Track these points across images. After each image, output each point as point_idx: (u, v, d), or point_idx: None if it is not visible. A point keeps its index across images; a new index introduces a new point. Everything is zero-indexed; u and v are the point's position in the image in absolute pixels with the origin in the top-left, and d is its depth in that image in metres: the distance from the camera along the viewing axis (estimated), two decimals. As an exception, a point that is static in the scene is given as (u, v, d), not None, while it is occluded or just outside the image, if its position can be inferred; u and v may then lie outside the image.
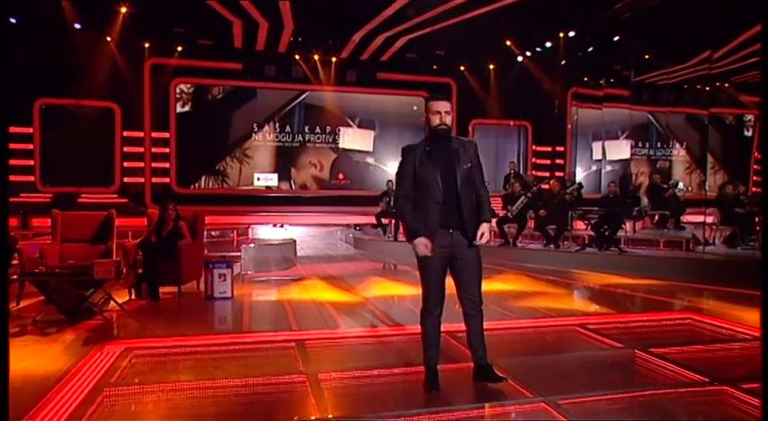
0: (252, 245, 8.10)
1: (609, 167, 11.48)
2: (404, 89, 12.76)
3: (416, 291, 5.45)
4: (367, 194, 12.32)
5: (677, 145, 13.63)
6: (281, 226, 12.17)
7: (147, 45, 11.25)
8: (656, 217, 8.93)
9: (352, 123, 12.56)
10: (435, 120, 2.65)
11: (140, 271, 4.63)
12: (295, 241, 8.97)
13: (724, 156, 13.47)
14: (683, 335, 3.91)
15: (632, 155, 13.08)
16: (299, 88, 12.32)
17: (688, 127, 13.60)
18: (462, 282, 2.72)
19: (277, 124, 12.42)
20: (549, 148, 13.14)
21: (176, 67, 11.48)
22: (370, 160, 12.81)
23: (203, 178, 12.12)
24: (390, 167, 12.66)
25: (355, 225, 11.83)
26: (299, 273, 6.94)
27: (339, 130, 12.56)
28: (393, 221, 9.43)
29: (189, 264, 5.11)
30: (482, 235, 2.57)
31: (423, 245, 2.65)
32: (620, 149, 13.34)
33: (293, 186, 12.54)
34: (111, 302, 4.57)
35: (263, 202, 12.10)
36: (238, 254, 6.94)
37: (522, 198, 7.97)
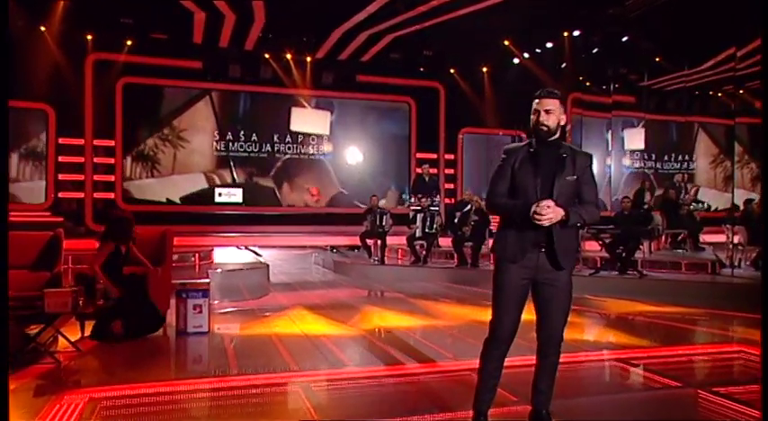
0: (219, 270, 7.94)
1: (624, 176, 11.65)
2: (386, 93, 12.83)
3: (421, 321, 5.63)
4: (344, 212, 12.31)
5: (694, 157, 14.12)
6: (245, 248, 11.97)
7: (89, 37, 10.91)
8: (676, 237, 9.11)
9: (305, 104, 12.47)
10: (533, 120, 2.62)
11: (101, 302, 4.33)
12: (268, 266, 8.86)
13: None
14: (740, 370, 3.90)
15: (639, 167, 13.46)
16: (268, 91, 12.23)
17: (705, 138, 14.17)
18: (545, 314, 2.60)
19: (242, 132, 12.23)
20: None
21: (124, 64, 11.17)
22: (325, 158, 12.72)
23: (152, 191, 11.76)
24: (350, 160, 12.64)
25: (331, 247, 11.80)
26: (278, 301, 6.80)
27: (290, 111, 12.43)
28: (379, 242, 9.40)
29: (156, 295, 4.84)
30: (547, 207, 2.45)
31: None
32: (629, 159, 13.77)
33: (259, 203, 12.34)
34: (60, 341, 4.26)
35: (226, 222, 11.85)
36: (205, 280, 6.68)
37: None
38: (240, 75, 11.75)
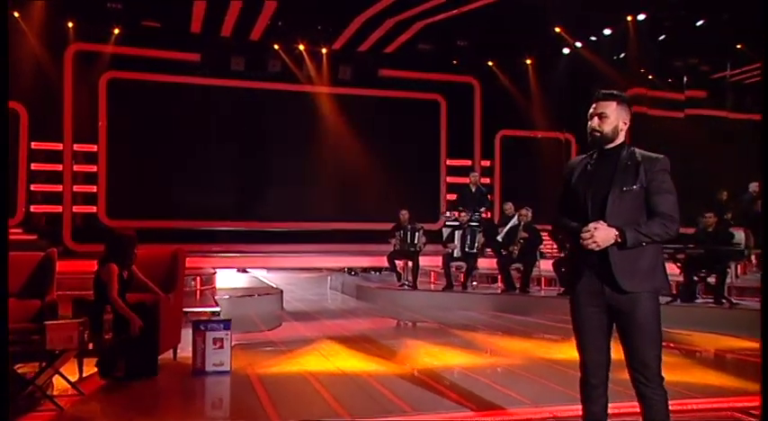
0: (226, 297, 7.90)
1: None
2: (413, 90, 12.80)
3: (478, 358, 5.50)
4: (365, 228, 12.20)
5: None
6: (244, 270, 11.92)
7: (70, 25, 10.93)
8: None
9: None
10: (588, 126, 2.70)
11: (108, 336, 4.24)
12: (282, 291, 8.83)
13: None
14: None
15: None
16: (277, 88, 12.25)
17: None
18: (628, 345, 2.64)
19: (246, 134, 12.23)
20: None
21: (110, 56, 11.18)
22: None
23: (142, 206, 11.70)
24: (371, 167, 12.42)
25: (348, 269, 11.74)
26: (298, 333, 6.78)
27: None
28: (410, 263, 9.30)
29: (167, 327, 4.74)
30: (595, 228, 2.51)
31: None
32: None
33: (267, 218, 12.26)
34: (57, 381, 4.16)
35: (224, 239, 11.77)
36: (215, 309, 6.64)
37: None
38: (244, 69, 11.75)
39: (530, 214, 8.69)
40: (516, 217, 8.98)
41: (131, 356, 4.41)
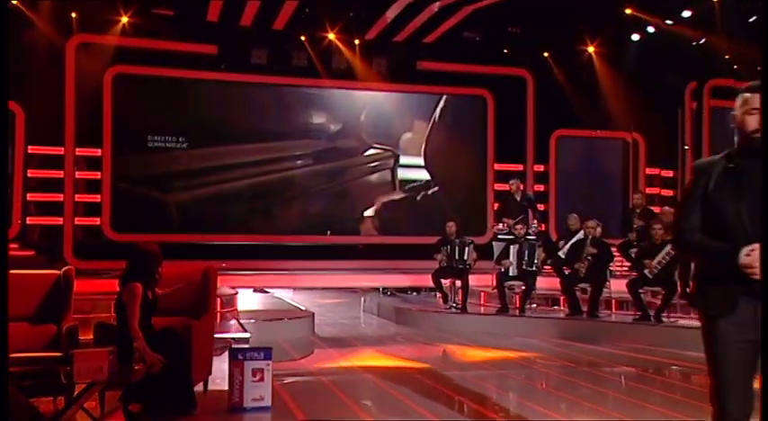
0: (252, 321, 7.96)
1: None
2: (456, 84, 12.80)
3: (554, 400, 5.38)
4: (404, 242, 12.25)
5: None
6: (262, 290, 11.95)
7: (74, 15, 11.11)
8: None
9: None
10: (752, 124, 2.51)
11: (139, 367, 4.23)
12: (313, 315, 8.93)
13: None
14: None
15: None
16: (303, 83, 12.32)
17: None
18: None
19: (267, 136, 12.35)
20: (672, 173, 13.08)
21: (117, 48, 11.32)
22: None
23: (151, 218, 11.84)
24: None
25: (383, 289, 11.72)
26: (335, 361, 6.83)
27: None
28: (458, 283, 9.27)
29: (199, 356, 4.74)
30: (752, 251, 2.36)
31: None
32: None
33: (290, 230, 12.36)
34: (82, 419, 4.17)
35: (243, 254, 11.79)
36: (243, 335, 6.65)
37: (668, 248, 7.81)
38: (267, 62, 11.81)
39: (599, 228, 8.59)
40: (582, 230, 8.86)
41: (163, 390, 4.39)
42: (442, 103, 12.98)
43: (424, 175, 13.00)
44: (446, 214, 12.54)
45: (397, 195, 12.91)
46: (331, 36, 11.99)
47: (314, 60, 12.04)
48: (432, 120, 12.98)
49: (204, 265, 5.27)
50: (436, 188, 12.98)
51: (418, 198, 12.95)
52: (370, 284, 11.58)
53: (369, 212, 12.77)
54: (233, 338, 6.63)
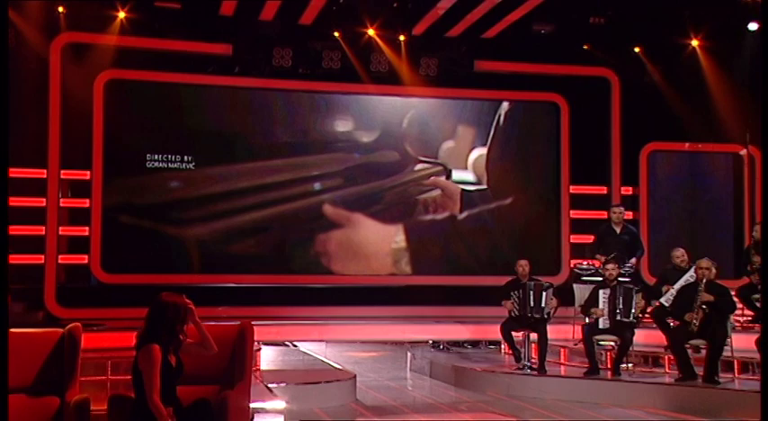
0: (282, 384, 8.01)
1: None
2: (522, 88, 12.81)
3: None
4: (460, 283, 12.26)
5: None
6: (284, 344, 11.91)
7: (60, 10, 11.28)
8: None
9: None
10: None
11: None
12: (355, 376, 8.96)
13: None
14: None
15: None
16: (336, 90, 12.43)
17: None
18: None
19: (291, 153, 12.41)
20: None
21: (111, 49, 11.46)
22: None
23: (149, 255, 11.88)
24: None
25: (434, 342, 11.75)
26: None
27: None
28: (534, 336, 9.27)
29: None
30: None
31: None
32: None
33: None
34: None
35: (262, 299, 11.81)
36: (278, 403, 6.57)
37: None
38: (291, 64, 11.93)
39: (714, 269, 8.38)
40: (693, 270, 8.65)
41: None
42: (503, 111, 12.99)
43: (481, 199, 12.97)
44: (510, 248, 12.58)
45: (448, 222, 12.86)
46: (370, 32, 12.05)
47: (349, 61, 12.11)
48: (491, 132, 12.98)
49: (239, 324, 5.31)
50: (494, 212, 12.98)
51: (475, 227, 12.90)
52: (419, 337, 11.46)
53: (405, 244, 12.75)
54: (263, 408, 6.54)
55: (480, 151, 12.89)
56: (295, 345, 11.72)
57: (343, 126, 12.62)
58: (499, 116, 12.95)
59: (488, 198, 12.89)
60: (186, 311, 4.81)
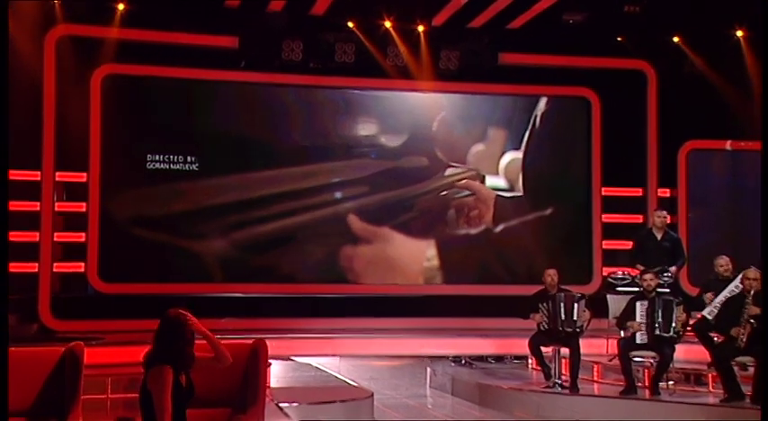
0: (294, 404, 7.98)
1: None
2: (549, 83, 12.80)
3: None
4: (483, 292, 12.27)
5: None
6: (289, 359, 11.89)
7: (56, 1, 11.32)
8: None
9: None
10: None
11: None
12: (372, 395, 8.84)
13: None
14: None
15: None
16: (350, 85, 12.50)
17: None
18: None
19: (302, 153, 12.44)
20: None
21: (111, 42, 11.50)
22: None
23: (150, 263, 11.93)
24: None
25: (455, 357, 11.72)
26: None
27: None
28: (565, 350, 9.22)
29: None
30: None
31: None
32: None
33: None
34: None
35: (269, 311, 11.98)
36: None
37: None
38: (301, 58, 11.95)
39: (759, 278, 8.28)
40: (738, 280, 8.56)
41: None
42: (540, 112, 13.04)
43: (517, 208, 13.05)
44: (537, 254, 12.55)
45: (475, 229, 12.90)
46: (387, 24, 12.07)
47: (364, 54, 12.11)
48: (526, 134, 13.02)
49: (252, 343, 5.29)
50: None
51: (499, 232, 12.93)
52: (439, 352, 11.41)
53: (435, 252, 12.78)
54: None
55: (512, 155, 12.92)
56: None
57: (358, 127, 12.69)
58: (535, 117, 12.96)
59: (524, 206, 12.93)
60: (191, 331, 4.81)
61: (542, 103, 12.97)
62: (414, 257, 12.71)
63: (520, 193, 12.90)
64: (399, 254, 12.62)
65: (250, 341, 5.29)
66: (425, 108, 12.86)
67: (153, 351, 4.68)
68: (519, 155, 12.93)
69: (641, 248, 10.21)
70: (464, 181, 12.73)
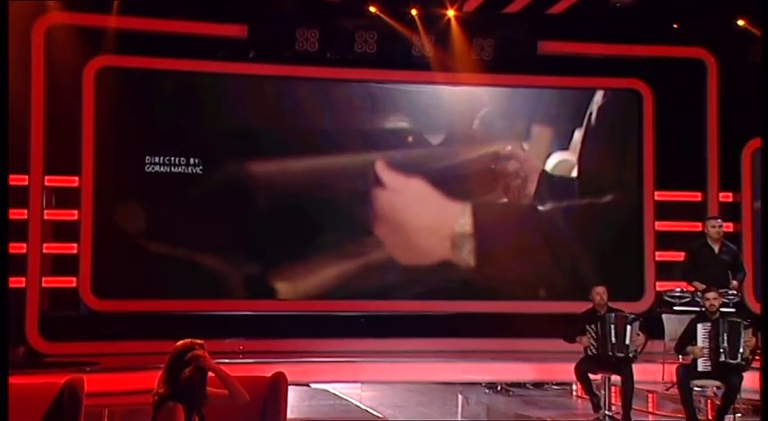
0: None
1: None
2: (595, 74, 12.78)
3: None
4: (521, 310, 12.27)
5: None
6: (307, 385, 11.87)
7: (46, -13, 11.43)
8: None
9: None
10: None
11: None
12: None
13: None
14: None
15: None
16: (371, 77, 12.53)
17: None
18: None
19: (319, 153, 12.43)
20: None
21: (105, 31, 11.56)
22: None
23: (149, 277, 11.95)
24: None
25: (489, 384, 11.70)
26: None
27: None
28: (618, 379, 9.12)
29: None
30: None
31: None
32: None
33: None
34: None
35: (282, 330, 11.92)
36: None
37: None
38: (317, 48, 11.95)
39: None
40: None
41: None
42: (597, 106, 13.01)
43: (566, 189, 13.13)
44: (586, 266, 12.48)
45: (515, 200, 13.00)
46: (413, 10, 12.05)
47: (387, 44, 12.10)
48: (581, 133, 13.02)
49: (272, 376, 5.42)
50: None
51: (543, 213, 13.00)
52: (473, 378, 11.37)
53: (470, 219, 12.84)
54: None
55: (561, 156, 12.95)
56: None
57: (381, 123, 12.73)
58: (590, 113, 12.95)
59: (574, 189, 13.00)
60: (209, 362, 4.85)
61: (599, 96, 12.96)
62: (445, 220, 12.71)
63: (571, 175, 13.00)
64: (430, 214, 12.67)
65: (268, 374, 5.36)
66: (459, 103, 12.86)
67: (162, 388, 4.75)
68: (567, 156, 12.94)
69: (695, 262, 10.08)
70: (509, 147, 12.82)
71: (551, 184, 12.84)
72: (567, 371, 9.65)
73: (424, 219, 12.60)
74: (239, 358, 10.79)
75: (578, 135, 12.93)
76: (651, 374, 9.74)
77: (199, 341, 4.92)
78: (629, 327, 8.97)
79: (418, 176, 12.54)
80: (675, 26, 12.46)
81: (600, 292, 9.30)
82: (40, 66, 11.49)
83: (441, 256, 12.63)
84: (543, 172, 12.83)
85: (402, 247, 12.52)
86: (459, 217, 12.69)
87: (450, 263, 12.66)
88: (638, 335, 9.00)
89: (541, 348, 11.29)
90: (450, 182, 12.65)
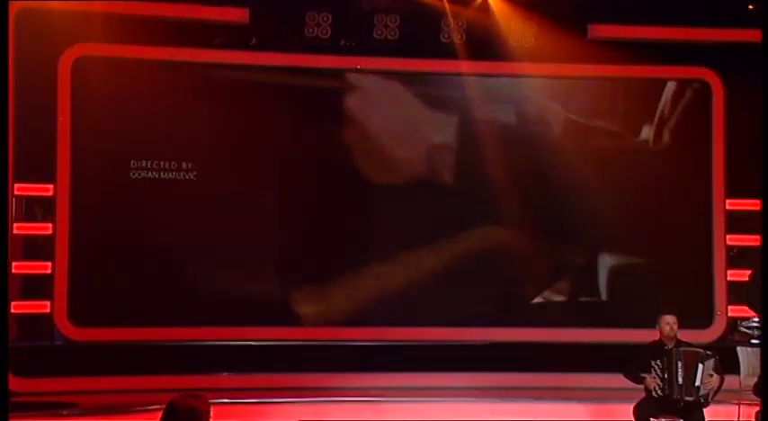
0: None
1: None
2: (655, 62, 12.79)
3: None
4: (567, 340, 12.27)
5: None
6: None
7: (12, -36, 11.39)
8: None
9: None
10: None
11: None
12: None
13: None
14: None
15: None
16: (392, 67, 12.57)
17: None
18: None
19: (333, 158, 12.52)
20: None
21: (82, 16, 11.53)
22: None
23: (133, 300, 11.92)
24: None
25: None
26: None
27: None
28: None
29: None
30: None
31: None
32: None
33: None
34: None
35: (282, 364, 11.92)
36: None
37: None
38: (330, 35, 11.97)
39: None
40: None
41: None
42: (668, 96, 13.06)
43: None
44: (639, 288, 12.39)
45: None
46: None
47: (411, 29, 12.13)
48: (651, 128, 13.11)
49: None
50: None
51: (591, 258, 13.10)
52: (514, 420, 11.23)
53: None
54: None
55: None
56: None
57: (400, 118, 12.78)
58: (662, 109, 12.94)
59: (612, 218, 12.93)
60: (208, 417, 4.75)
61: (670, 87, 12.96)
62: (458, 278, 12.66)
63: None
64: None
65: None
66: (498, 95, 12.92)
67: None
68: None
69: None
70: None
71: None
72: (623, 413, 9.55)
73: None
74: (239, 397, 10.72)
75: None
76: (724, 416, 9.63)
77: (201, 395, 4.89)
78: (700, 366, 8.85)
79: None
80: (750, 7, 12.31)
81: (669, 322, 9.17)
82: (9, 56, 11.29)
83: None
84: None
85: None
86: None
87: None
88: (712, 376, 8.85)
89: (592, 385, 11.27)
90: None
